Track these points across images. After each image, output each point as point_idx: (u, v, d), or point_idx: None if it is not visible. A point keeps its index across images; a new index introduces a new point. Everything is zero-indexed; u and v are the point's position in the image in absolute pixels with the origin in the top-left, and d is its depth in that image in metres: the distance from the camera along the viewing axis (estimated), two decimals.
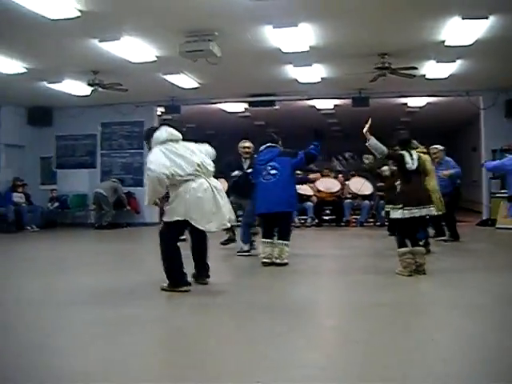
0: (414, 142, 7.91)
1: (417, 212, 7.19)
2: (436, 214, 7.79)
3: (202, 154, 6.62)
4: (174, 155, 6.33)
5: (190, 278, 6.71)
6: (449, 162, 11.40)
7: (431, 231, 11.00)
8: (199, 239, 6.83)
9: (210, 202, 6.32)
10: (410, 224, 7.32)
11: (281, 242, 8.45)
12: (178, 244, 6.58)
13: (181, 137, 6.64)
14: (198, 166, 6.36)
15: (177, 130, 6.68)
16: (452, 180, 11.18)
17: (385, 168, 10.87)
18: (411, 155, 7.37)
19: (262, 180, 8.48)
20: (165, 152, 6.35)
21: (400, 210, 7.29)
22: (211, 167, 6.57)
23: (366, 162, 10.67)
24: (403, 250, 7.28)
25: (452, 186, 11.18)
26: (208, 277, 6.95)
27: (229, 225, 6.70)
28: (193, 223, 6.34)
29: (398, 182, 7.62)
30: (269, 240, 8.49)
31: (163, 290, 6.46)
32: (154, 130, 6.74)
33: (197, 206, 6.27)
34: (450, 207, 10.95)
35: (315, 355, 4.14)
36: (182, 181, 6.30)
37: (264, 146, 8.87)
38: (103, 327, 5.01)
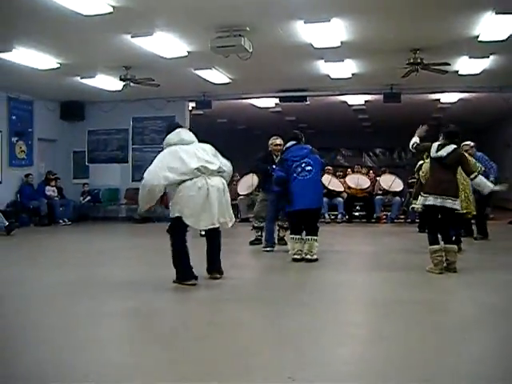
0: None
1: (438, 201, 7.16)
2: (460, 209, 7.71)
3: (207, 155, 6.80)
4: (175, 160, 6.60)
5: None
6: (481, 157, 11.24)
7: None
8: (211, 235, 6.98)
9: (200, 201, 6.53)
10: (436, 215, 7.30)
11: (310, 237, 8.47)
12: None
13: (193, 140, 6.92)
14: (197, 169, 6.57)
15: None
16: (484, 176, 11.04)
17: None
18: (443, 146, 7.34)
19: (298, 176, 8.44)
20: (167, 157, 6.68)
21: (422, 198, 7.34)
22: (214, 166, 6.75)
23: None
24: (435, 247, 7.24)
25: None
26: (220, 273, 7.05)
27: (217, 225, 6.73)
28: (184, 220, 6.55)
29: (425, 174, 7.67)
30: (299, 236, 8.51)
31: (174, 282, 6.63)
32: (173, 128, 7.03)
33: (188, 204, 6.52)
34: (482, 204, 10.86)
35: (343, 351, 4.15)
36: (180, 181, 6.55)
37: (291, 143, 8.85)
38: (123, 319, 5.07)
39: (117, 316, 5.35)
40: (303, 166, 8.49)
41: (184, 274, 6.62)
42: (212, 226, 6.69)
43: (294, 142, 8.85)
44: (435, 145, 7.42)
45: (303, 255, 8.44)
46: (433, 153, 7.38)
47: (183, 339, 4.54)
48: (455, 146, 7.42)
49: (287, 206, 8.63)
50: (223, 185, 6.83)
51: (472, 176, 7.47)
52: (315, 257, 8.42)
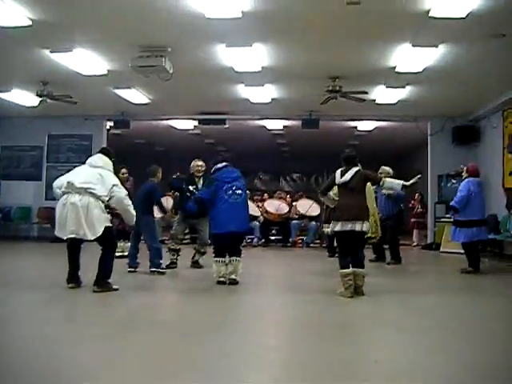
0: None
1: (348, 226, 7.30)
2: (368, 233, 7.91)
3: (89, 177, 7.58)
4: (71, 174, 7.84)
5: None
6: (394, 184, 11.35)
7: (372, 255, 11.21)
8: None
9: (61, 215, 7.45)
10: (346, 240, 7.43)
11: (235, 258, 8.46)
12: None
13: (98, 165, 7.77)
14: (68, 183, 7.50)
15: (107, 156, 7.97)
16: (396, 203, 11.32)
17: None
18: (346, 171, 7.53)
19: (229, 199, 8.36)
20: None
21: (332, 224, 7.49)
22: (78, 184, 7.44)
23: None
24: (346, 271, 7.36)
25: (396, 209, 11.34)
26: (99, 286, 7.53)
27: (66, 236, 7.47)
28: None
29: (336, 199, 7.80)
30: (224, 259, 8.47)
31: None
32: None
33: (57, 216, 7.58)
34: (394, 230, 11.16)
35: (259, 376, 4.11)
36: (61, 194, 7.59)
37: (222, 165, 8.73)
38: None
39: None
40: (233, 188, 8.44)
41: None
42: (64, 237, 7.50)
43: (225, 164, 8.76)
44: (338, 171, 7.59)
45: (228, 276, 8.41)
46: (338, 179, 7.54)
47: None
48: (357, 169, 7.61)
49: (215, 228, 8.50)
50: (81, 201, 7.34)
51: (381, 183, 7.75)
52: (237, 278, 8.42)
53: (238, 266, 8.46)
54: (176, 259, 10.34)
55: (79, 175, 7.63)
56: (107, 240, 7.56)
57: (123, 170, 11.48)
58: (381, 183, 7.86)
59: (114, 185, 7.60)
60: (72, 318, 6.22)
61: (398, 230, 11.73)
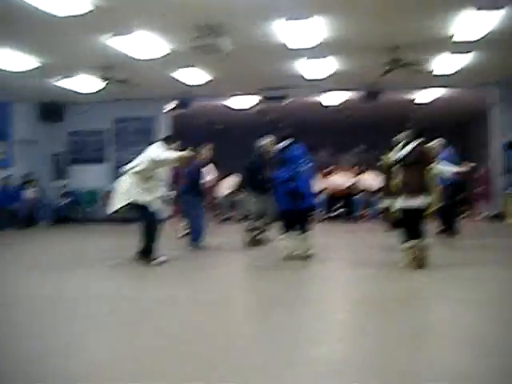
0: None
1: (410, 201, 7.27)
2: (432, 205, 7.80)
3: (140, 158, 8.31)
4: None
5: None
6: (446, 153, 10.92)
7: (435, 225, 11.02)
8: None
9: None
10: (407, 214, 7.38)
11: (306, 234, 8.56)
12: None
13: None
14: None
15: (166, 142, 8.62)
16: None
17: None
18: (404, 146, 7.44)
19: (295, 175, 8.40)
20: None
21: (397, 201, 7.45)
22: (126, 169, 8.31)
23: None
24: (408, 244, 7.33)
25: (454, 179, 11.00)
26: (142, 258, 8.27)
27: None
28: None
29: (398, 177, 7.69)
30: (293, 235, 8.53)
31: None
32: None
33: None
34: (453, 201, 10.85)
35: (326, 350, 4.15)
36: None
37: (288, 141, 8.73)
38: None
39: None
40: (303, 164, 8.52)
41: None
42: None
43: (291, 141, 8.75)
44: (400, 145, 7.51)
45: (299, 253, 8.48)
46: (397, 154, 7.48)
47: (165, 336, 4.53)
48: (415, 144, 7.52)
49: (286, 204, 8.50)
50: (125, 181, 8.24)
51: (431, 166, 7.59)
52: (310, 253, 8.51)
53: (309, 242, 8.55)
54: (257, 236, 10.25)
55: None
56: (143, 215, 8.23)
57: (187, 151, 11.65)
58: (431, 166, 7.66)
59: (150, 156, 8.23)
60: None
61: (456, 201, 11.50)
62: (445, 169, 7.69)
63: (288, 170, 8.52)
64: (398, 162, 7.49)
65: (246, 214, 10.60)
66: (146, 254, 8.25)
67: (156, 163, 8.19)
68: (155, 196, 8.30)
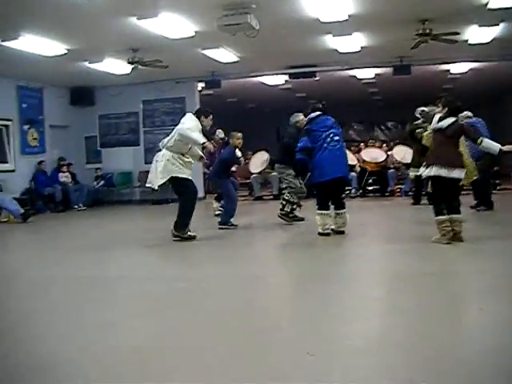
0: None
1: (444, 172, 7.16)
2: (466, 178, 7.70)
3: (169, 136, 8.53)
4: None
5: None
6: (476, 123, 10.59)
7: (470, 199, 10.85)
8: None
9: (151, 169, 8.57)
10: (444, 187, 7.29)
11: (343, 211, 8.60)
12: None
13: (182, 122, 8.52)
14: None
15: (195, 114, 8.75)
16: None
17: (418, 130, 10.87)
18: (443, 119, 7.35)
19: (328, 146, 8.37)
20: None
21: (428, 169, 7.31)
22: (162, 144, 8.59)
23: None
24: (441, 217, 7.28)
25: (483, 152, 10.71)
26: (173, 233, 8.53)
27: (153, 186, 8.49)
28: None
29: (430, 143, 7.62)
30: (328, 211, 8.53)
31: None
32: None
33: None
34: (484, 173, 10.61)
35: (361, 326, 4.14)
36: None
37: (316, 113, 8.72)
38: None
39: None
40: (331, 136, 8.44)
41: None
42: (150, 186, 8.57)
43: (319, 113, 8.74)
44: (437, 117, 7.41)
45: (334, 228, 8.56)
46: (434, 124, 7.38)
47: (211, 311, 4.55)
48: (455, 119, 7.41)
49: (319, 176, 8.45)
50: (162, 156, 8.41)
51: (478, 141, 7.43)
52: (345, 229, 8.58)
53: (346, 219, 8.58)
54: (292, 211, 10.21)
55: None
56: (179, 190, 8.58)
57: (218, 131, 11.71)
58: (478, 141, 7.51)
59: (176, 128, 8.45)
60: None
61: (489, 173, 11.29)
62: (493, 145, 7.46)
63: (312, 140, 8.53)
64: (438, 130, 7.36)
65: (282, 189, 10.60)
66: (182, 227, 8.48)
67: (182, 136, 8.30)
68: (191, 171, 8.63)
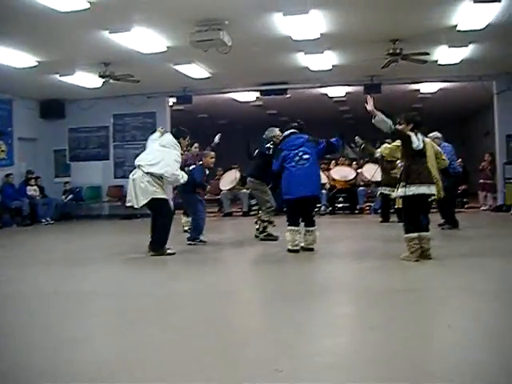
0: None
1: (418, 189, 7.24)
2: (436, 195, 7.75)
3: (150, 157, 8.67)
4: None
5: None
6: (445, 147, 10.84)
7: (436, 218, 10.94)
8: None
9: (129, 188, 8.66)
10: (415, 206, 7.35)
11: (312, 228, 8.63)
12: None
13: (162, 143, 8.76)
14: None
15: (174, 135, 8.93)
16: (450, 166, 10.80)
17: (377, 150, 11.04)
18: (417, 136, 7.42)
19: (296, 165, 8.47)
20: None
21: (403, 188, 7.35)
22: (140, 163, 8.61)
23: (358, 143, 10.80)
24: (411, 235, 7.33)
25: (451, 171, 10.81)
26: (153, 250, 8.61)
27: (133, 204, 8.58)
28: None
29: (400, 164, 7.64)
30: (297, 228, 8.56)
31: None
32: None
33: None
34: (449, 193, 10.72)
35: (332, 342, 4.14)
36: None
37: (288, 132, 8.87)
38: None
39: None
40: (300, 154, 8.51)
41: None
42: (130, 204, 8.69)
43: (291, 131, 8.85)
44: (413, 134, 7.44)
45: (305, 245, 8.58)
46: (415, 144, 7.39)
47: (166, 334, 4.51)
48: (423, 136, 7.60)
49: (287, 193, 8.57)
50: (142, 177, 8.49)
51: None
52: (314, 247, 8.62)
53: (316, 236, 8.63)
54: (265, 229, 10.18)
55: (143, 155, 8.80)
56: (156, 210, 8.66)
57: (195, 145, 11.75)
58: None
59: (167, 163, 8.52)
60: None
61: (454, 193, 11.43)
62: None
63: (278, 163, 8.67)
64: (415, 151, 7.40)
65: (259, 206, 10.57)
66: (161, 246, 8.56)
67: (170, 181, 8.81)
68: (169, 190, 8.93)
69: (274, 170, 8.87)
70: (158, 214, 8.70)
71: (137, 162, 8.71)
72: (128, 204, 8.73)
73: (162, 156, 8.56)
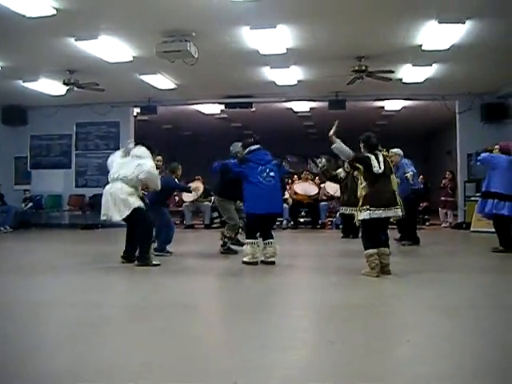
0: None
1: (383, 213, 7.29)
2: (402, 215, 7.80)
3: (125, 168, 8.50)
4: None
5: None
6: (404, 164, 10.93)
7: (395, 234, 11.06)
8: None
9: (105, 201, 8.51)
10: (376, 225, 7.40)
11: (271, 240, 8.63)
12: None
13: (137, 154, 8.65)
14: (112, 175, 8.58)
15: (148, 148, 8.79)
16: (410, 183, 10.90)
17: (339, 170, 11.08)
18: (377, 158, 7.45)
19: (263, 181, 8.48)
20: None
21: (366, 212, 7.36)
22: (116, 175, 8.48)
23: (320, 165, 10.95)
24: (370, 251, 7.35)
25: (411, 189, 10.93)
26: (132, 261, 8.55)
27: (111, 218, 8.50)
28: None
29: (363, 185, 7.63)
30: (256, 240, 8.58)
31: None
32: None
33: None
34: (409, 210, 10.82)
35: (291, 356, 4.12)
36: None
37: (256, 147, 8.85)
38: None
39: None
40: (267, 171, 8.55)
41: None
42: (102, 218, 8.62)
43: (258, 146, 8.87)
44: (373, 157, 7.46)
45: (265, 259, 8.57)
46: (375, 168, 7.41)
47: (128, 345, 4.46)
48: (382, 155, 7.58)
49: (251, 208, 8.58)
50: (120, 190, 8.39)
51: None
52: (274, 260, 8.60)
53: (276, 249, 8.63)
54: (226, 244, 10.19)
55: (116, 169, 8.62)
56: (135, 220, 8.48)
57: (158, 158, 11.64)
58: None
59: (139, 164, 8.46)
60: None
61: (413, 211, 11.53)
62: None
63: (248, 170, 8.65)
64: (377, 174, 7.43)
65: (223, 220, 10.57)
66: (146, 256, 8.51)
67: (147, 178, 8.57)
68: (146, 201, 8.95)
69: (234, 172, 8.83)
70: (141, 221, 8.52)
71: (113, 175, 8.57)
72: (103, 218, 8.58)
73: (137, 164, 8.48)
